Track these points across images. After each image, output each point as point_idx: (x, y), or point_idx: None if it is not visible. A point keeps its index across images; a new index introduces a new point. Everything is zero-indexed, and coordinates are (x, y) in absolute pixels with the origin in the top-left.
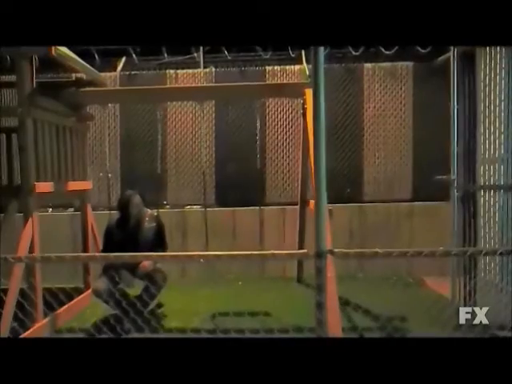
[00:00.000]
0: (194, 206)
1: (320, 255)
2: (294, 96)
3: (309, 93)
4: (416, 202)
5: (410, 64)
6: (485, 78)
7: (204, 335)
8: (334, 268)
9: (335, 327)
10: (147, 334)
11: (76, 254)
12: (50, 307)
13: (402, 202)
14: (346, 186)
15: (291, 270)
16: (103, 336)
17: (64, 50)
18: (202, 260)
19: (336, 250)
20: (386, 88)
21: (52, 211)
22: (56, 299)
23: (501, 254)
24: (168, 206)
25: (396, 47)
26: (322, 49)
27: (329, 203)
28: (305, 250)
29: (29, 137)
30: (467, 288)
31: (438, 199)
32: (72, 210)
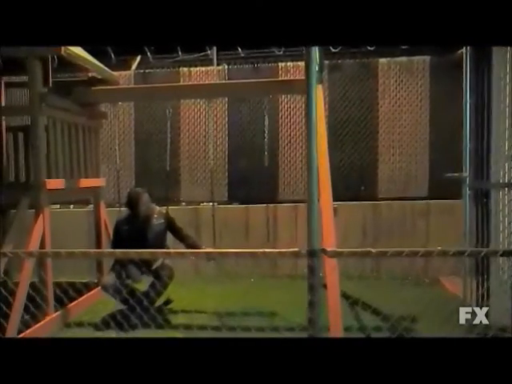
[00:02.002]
0: (210, 203)
1: (312, 254)
2: (302, 92)
3: (317, 89)
4: (432, 200)
5: (427, 58)
6: (500, 72)
7: (207, 333)
8: (349, 267)
9: (336, 327)
10: (152, 330)
11: (71, 250)
12: (61, 301)
13: (418, 200)
14: (360, 183)
15: (303, 267)
16: (103, 336)
17: (74, 49)
18: (192, 257)
19: (329, 250)
20: (402, 83)
21: (74, 207)
22: (68, 294)
23: (502, 255)
24: (184, 203)
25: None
26: (314, 48)
27: (343, 201)
28: (296, 249)
29: (40, 134)
30: (479, 288)
31: (455, 197)
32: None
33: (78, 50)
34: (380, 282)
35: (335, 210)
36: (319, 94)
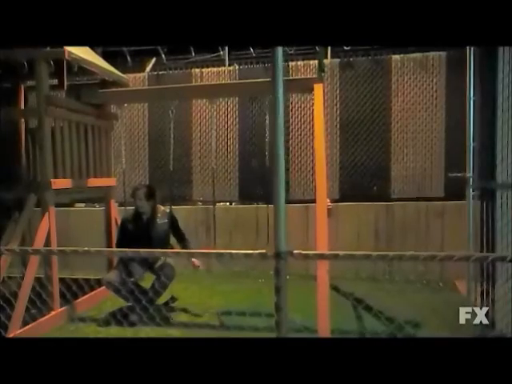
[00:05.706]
0: (225, 203)
1: (278, 256)
2: (303, 91)
3: (317, 88)
4: (448, 201)
5: (443, 54)
6: (504, 69)
7: (211, 331)
8: (363, 269)
9: (324, 331)
10: (156, 327)
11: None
12: (70, 297)
13: (433, 201)
14: (372, 183)
15: (314, 268)
16: (106, 332)
17: (81, 53)
18: (162, 258)
19: (295, 252)
20: (416, 80)
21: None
22: (79, 289)
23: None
24: (200, 203)
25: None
26: (279, 48)
27: (355, 201)
28: (263, 250)
29: (46, 135)
30: (484, 292)
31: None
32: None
33: (85, 54)
34: (392, 284)
35: (329, 211)
36: (319, 93)
